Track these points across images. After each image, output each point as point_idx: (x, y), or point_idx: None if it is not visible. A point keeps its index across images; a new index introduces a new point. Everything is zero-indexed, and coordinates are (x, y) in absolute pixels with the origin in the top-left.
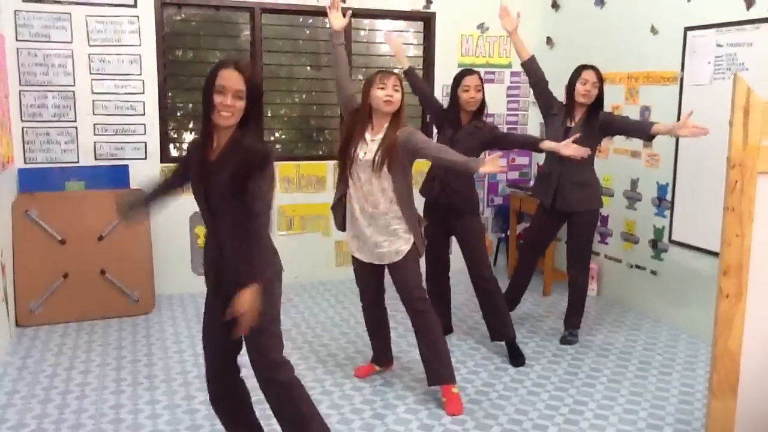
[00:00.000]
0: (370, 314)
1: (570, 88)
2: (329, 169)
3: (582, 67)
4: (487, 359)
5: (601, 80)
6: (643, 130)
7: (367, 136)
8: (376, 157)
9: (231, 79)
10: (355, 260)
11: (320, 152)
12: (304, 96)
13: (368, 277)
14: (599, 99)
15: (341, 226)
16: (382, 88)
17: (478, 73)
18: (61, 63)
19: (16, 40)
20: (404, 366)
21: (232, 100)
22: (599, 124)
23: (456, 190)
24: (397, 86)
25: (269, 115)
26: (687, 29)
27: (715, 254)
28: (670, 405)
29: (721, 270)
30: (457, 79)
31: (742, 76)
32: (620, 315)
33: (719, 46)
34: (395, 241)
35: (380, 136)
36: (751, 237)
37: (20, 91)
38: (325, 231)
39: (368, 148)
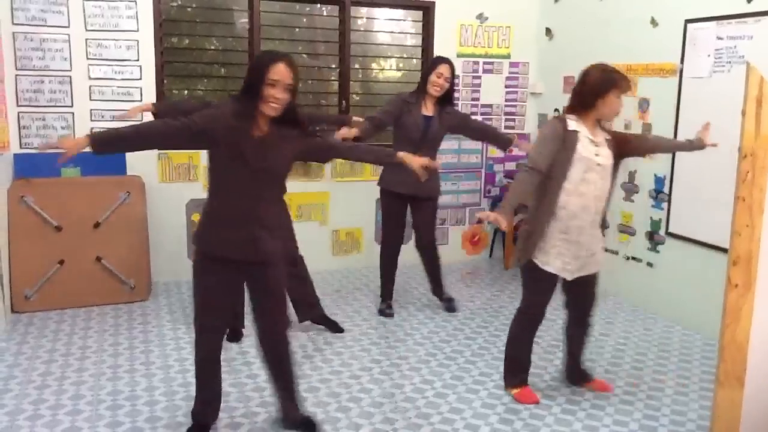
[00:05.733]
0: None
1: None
2: None
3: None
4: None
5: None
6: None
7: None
8: None
9: (282, 74)
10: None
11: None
12: (300, 84)
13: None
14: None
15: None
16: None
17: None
18: (58, 48)
19: (12, 23)
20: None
21: (282, 93)
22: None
23: None
24: None
25: None
26: (687, 21)
27: (712, 247)
28: (666, 396)
29: (731, 260)
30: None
31: (755, 66)
32: (616, 306)
33: (719, 38)
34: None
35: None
36: (761, 228)
37: (16, 75)
38: (322, 220)
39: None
